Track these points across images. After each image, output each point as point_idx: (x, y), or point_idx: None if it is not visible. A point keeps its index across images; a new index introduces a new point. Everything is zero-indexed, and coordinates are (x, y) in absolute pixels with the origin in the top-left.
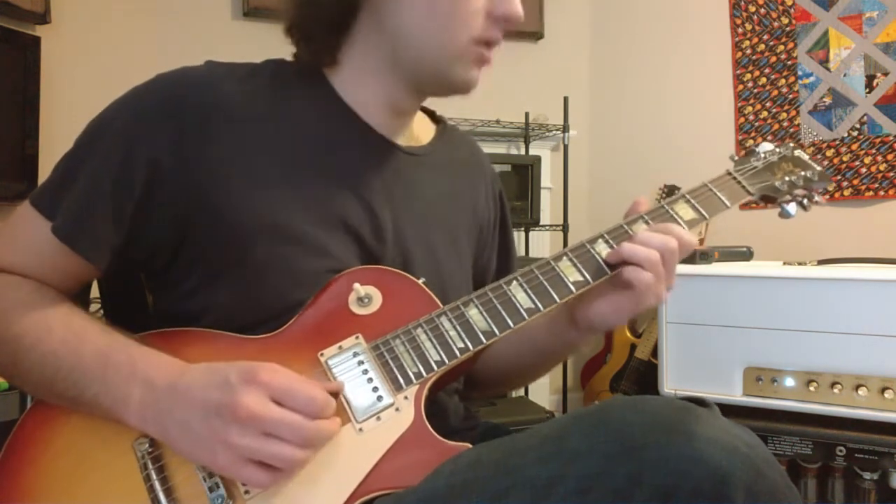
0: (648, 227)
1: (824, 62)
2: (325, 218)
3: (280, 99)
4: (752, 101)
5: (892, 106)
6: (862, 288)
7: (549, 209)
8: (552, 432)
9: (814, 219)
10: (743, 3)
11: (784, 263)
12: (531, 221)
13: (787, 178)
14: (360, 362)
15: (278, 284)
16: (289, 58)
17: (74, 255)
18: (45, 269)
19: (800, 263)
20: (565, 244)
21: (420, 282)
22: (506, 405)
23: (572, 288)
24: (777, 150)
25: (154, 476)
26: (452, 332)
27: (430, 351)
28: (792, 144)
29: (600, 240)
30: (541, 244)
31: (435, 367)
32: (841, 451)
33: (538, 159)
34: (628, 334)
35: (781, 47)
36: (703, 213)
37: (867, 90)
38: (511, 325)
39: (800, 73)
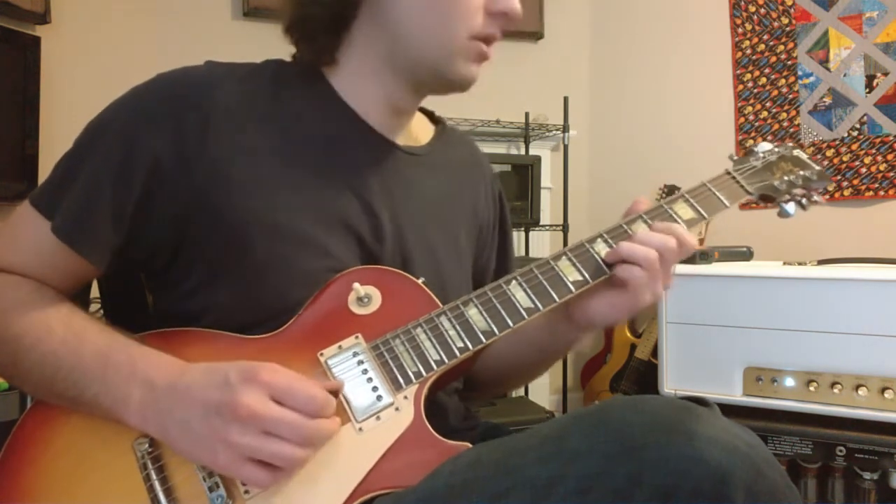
0: (650, 227)
1: (824, 62)
2: (324, 218)
3: (280, 99)
4: (752, 101)
5: (892, 106)
6: (862, 288)
7: (549, 209)
8: (552, 432)
9: (814, 219)
10: (743, 3)
11: (784, 263)
12: (531, 221)
13: (785, 178)
14: (360, 362)
15: (278, 284)
16: (288, 58)
17: (74, 254)
18: (45, 269)
19: (800, 263)
20: (565, 244)
21: (420, 281)
22: (506, 405)
23: (572, 287)
24: (776, 149)
25: (154, 476)
26: (452, 332)
27: (430, 350)
28: (791, 144)
29: (599, 239)
30: (541, 244)
31: (434, 367)
32: (841, 451)
33: (538, 159)
34: (628, 334)
35: (781, 47)
36: (703, 212)
37: (867, 90)
38: (511, 324)
39: (800, 73)
